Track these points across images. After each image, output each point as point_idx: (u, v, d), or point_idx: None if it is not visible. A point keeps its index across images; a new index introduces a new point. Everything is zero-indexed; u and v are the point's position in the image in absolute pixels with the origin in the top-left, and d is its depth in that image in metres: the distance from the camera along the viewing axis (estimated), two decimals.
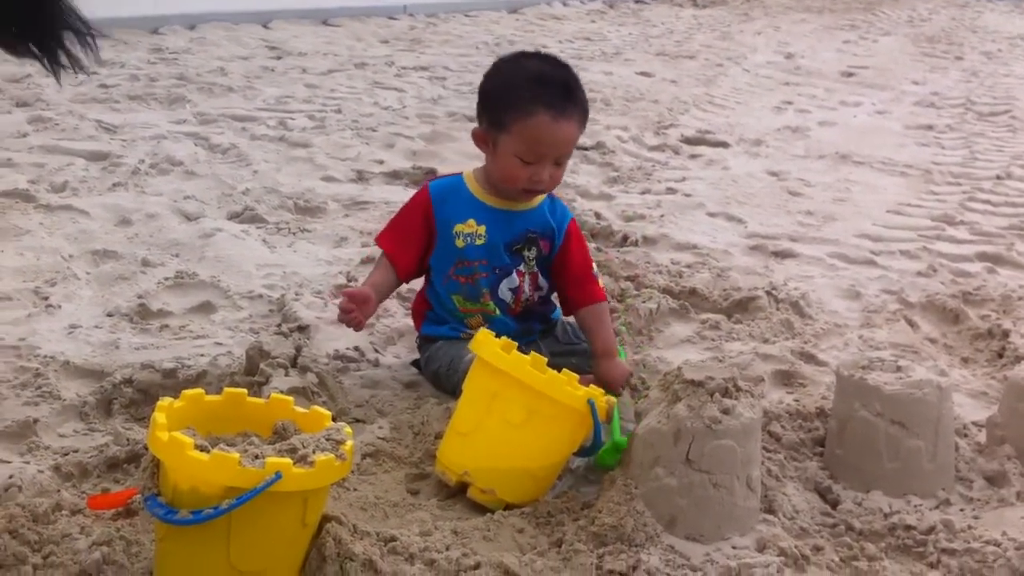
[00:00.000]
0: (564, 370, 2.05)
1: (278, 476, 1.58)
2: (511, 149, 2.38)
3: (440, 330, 2.51)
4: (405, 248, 2.48)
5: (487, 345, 2.06)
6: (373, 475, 2.12)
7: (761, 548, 1.91)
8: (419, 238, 2.47)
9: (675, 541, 1.90)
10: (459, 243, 2.45)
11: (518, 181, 2.41)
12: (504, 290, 2.50)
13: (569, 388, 2.01)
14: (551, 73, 2.42)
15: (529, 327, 2.54)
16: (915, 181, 4.66)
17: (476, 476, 2.02)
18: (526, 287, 2.51)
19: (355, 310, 2.37)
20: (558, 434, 2.04)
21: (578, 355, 2.50)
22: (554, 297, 2.61)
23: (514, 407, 2.00)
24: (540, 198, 2.50)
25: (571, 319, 2.61)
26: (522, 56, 2.53)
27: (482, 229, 2.45)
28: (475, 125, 2.49)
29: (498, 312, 2.49)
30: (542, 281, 2.54)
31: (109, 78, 5.50)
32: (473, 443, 2.04)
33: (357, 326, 2.41)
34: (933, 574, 1.90)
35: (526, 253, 2.50)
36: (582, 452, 2.10)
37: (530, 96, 2.35)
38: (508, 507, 2.01)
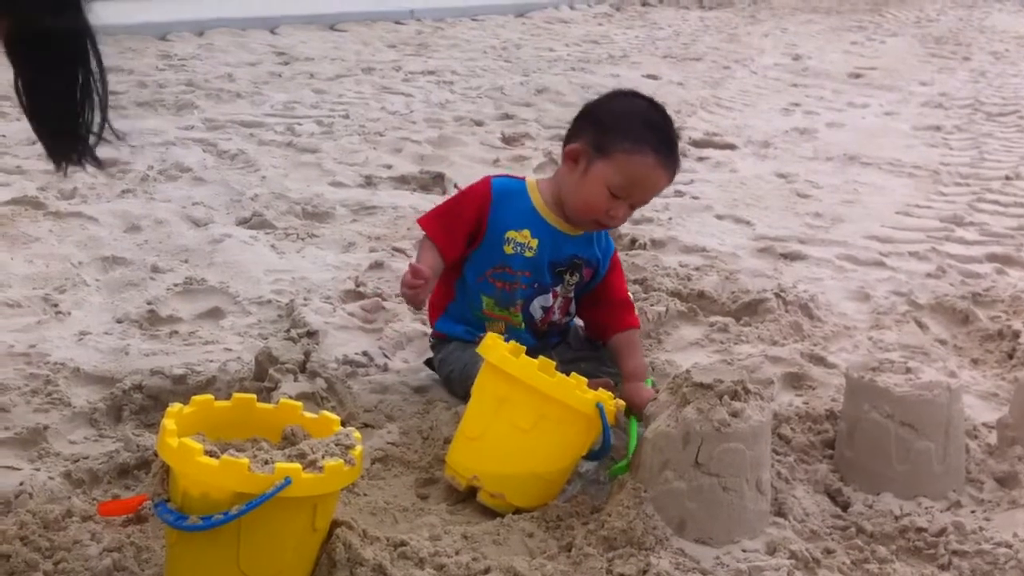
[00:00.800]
0: (573, 373, 2.06)
1: (288, 481, 1.58)
2: (606, 178, 2.34)
3: (455, 329, 2.49)
4: (451, 236, 2.42)
5: (495, 349, 2.06)
6: (383, 480, 2.12)
7: (771, 551, 1.91)
8: (467, 230, 2.43)
9: (685, 544, 1.90)
10: (508, 249, 2.42)
11: (596, 211, 2.38)
12: (536, 307, 2.48)
13: (578, 392, 2.01)
14: (663, 122, 2.41)
15: (546, 343, 2.53)
16: (924, 182, 4.65)
17: (485, 480, 2.02)
18: (556, 309, 2.51)
19: (421, 285, 2.29)
20: (567, 438, 2.04)
21: (588, 361, 2.48)
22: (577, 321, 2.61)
23: (523, 412, 2.00)
24: None
25: (581, 324, 2.62)
26: (638, 96, 2.51)
27: (535, 243, 2.43)
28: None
29: (523, 326, 2.48)
30: (573, 307, 2.54)
31: (117, 85, 5.50)
32: (481, 448, 2.04)
33: (419, 304, 2.37)
34: None
35: (568, 277, 2.49)
36: (591, 456, 2.09)
37: (645, 135, 2.34)
38: (517, 511, 2.01)
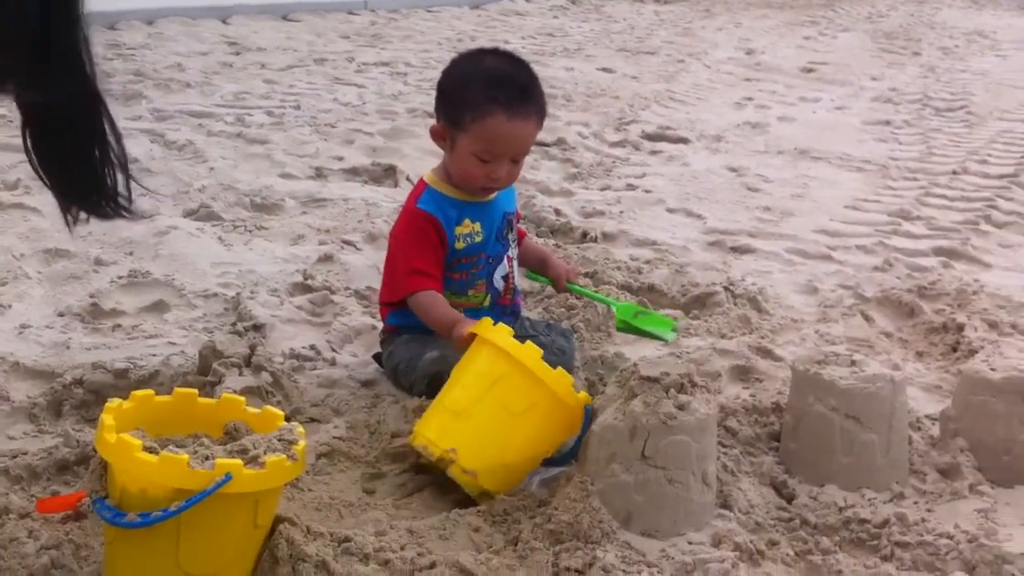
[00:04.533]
0: (559, 368, 2.05)
1: (228, 478, 1.56)
2: (469, 148, 2.37)
3: (409, 319, 2.46)
4: (439, 275, 2.43)
5: (499, 331, 2.07)
6: (328, 475, 2.10)
7: (716, 543, 1.91)
8: (441, 259, 2.44)
9: (631, 537, 1.90)
10: (459, 245, 2.44)
11: (476, 179, 2.41)
12: (497, 279, 2.51)
13: (572, 388, 2.03)
14: (508, 72, 2.41)
15: (508, 321, 2.52)
16: (872, 176, 4.70)
17: (462, 456, 2.00)
18: (514, 271, 2.55)
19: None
20: (550, 431, 2.05)
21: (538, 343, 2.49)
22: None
23: (516, 396, 2.01)
24: None
25: (530, 315, 2.61)
26: (480, 53, 2.52)
27: (478, 226, 2.46)
28: (435, 121, 2.48)
29: (487, 303, 2.50)
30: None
31: None
32: (465, 423, 2.03)
33: None
34: (887, 567, 1.91)
35: (509, 235, 2.54)
36: (554, 460, 2.09)
37: (487, 95, 2.34)
38: (482, 493, 2.00)
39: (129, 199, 1.82)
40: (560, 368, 2.04)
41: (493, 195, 2.49)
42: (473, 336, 2.15)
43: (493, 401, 2.03)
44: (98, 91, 1.70)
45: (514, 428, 2.02)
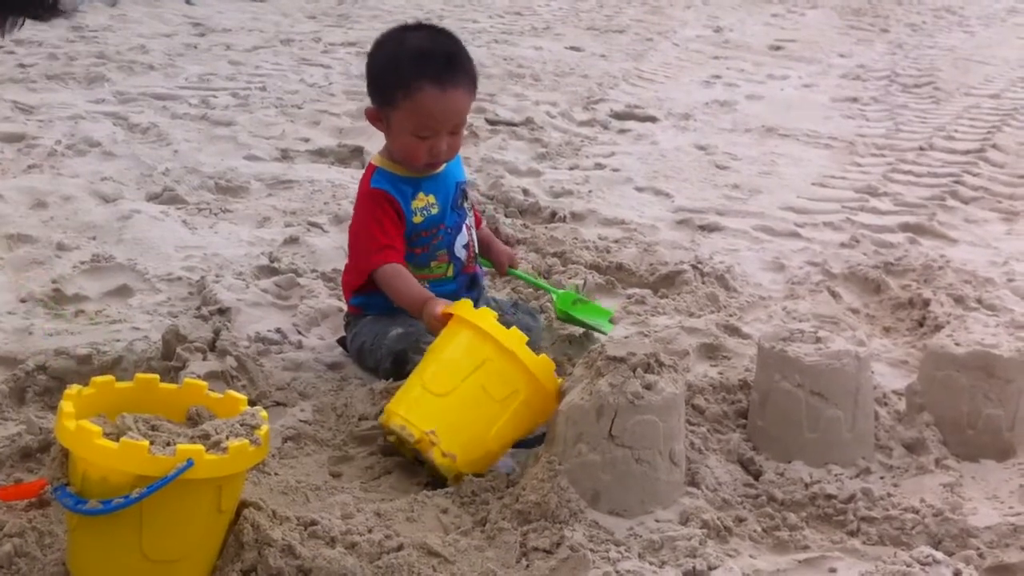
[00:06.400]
0: (543, 355, 2.05)
1: (189, 463, 1.55)
2: (405, 126, 2.37)
3: (374, 299, 2.45)
4: (403, 249, 2.42)
5: (483, 314, 2.06)
6: (294, 459, 2.09)
7: (684, 521, 1.92)
8: (402, 233, 2.43)
9: (599, 516, 1.90)
10: (417, 219, 2.44)
11: (418, 156, 2.40)
12: (459, 248, 2.51)
13: (554, 375, 2.03)
14: (433, 44, 2.41)
15: (469, 295, 2.52)
16: (840, 153, 4.71)
17: (443, 438, 1.99)
18: (474, 239, 2.55)
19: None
20: (527, 417, 2.05)
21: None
22: None
23: (499, 381, 2.00)
24: None
25: (497, 295, 2.61)
26: (404, 30, 2.50)
27: (432, 198, 2.46)
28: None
29: (451, 272, 2.49)
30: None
31: (27, 57, 5.35)
32: (447, 406, 2.02)
33: None
34: (853, 542, 1.92)
35: (464, 204, 2.54)
36: (525, 442, 2.09)
37: (414, 71, 2.34)
38: (457, 476, 2.00)
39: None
40: (544, 355, 2.04)
41: (440, 168, 2.48)
42: (447, 316, 2.14)
43: (475, 385, 2.02)
44: None
45: (495, 413, 2.01)
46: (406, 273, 2.36)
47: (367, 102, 2.49)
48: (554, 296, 2.72)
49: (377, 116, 2.43)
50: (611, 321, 2.74)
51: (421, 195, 2.45)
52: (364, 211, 2.44)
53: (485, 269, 2.69)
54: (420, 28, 2.51)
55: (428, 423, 2.00)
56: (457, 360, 2.06)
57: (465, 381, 2.02)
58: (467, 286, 2.53)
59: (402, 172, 2.45)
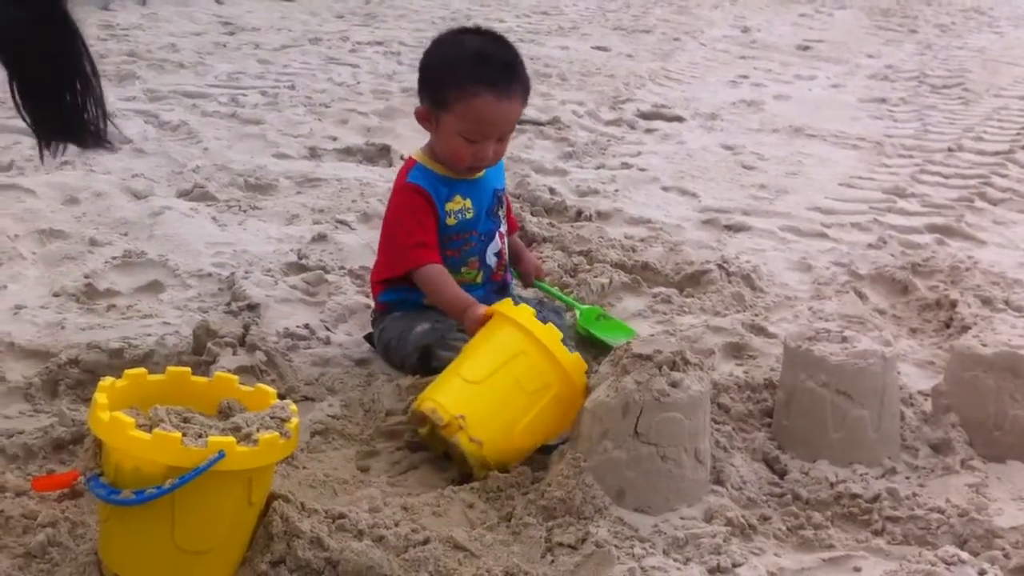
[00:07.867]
0: (576, 353, 2.07)
1: (221, 455, 1.57)
2: (455, 128, 2.37)
3: (401, 296, 2.47)
4: (438, 246, 2.42)
5: (522, 310, 2.08)
6: (323, 453, 2.11)
7: (709, 519, 1.93)
8: (436, 232, 2.44)
9: (624, 513, 1.91)
10: (450, 221, 2.44)
11: (463, 159, 2.41)
12: (490, 255, 2.52)
13: (585, 375, 2.04)
14: (492, 50, 2.41)
15: (497, 297, 2.53)
16: (867, 154, 4.69)
17: (471, 424, 2.01)
18: (506, 248, 2.56)
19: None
20: (557, 413, 2.05)
21: None
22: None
23: (532, 373, 2.02)
24: None
25: (519, 294, 2.64)
26: (462, 32, 2.51)
27: (468, 202, 2.47)
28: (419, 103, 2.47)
29: (480, 279, 2.50)
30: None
31: None
32: (480, 393, 2.04)
33: None
34: (878, 541, 1.92)
35: (499, 212, 2.54)
36: (548, 447, 2.09)
37: (472, 75, 2.34)
38: (482, 466, 2.01)
39: (105, 129, 1.88)
40: (577, 353, 2.06)
41: (481, 173, 2.49)
42: (486, 318, 2.16)
43: (508, 375, 2.04)
44: (74, 24, 1.75)
45: (525, 405, 2.03)
46: (448, 277, 2.38)
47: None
48: (578, 312, 2.70)
49: (426, 116, 2.43)
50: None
51: (457, 197, 2.45)
52: (400, 205, 2.45)
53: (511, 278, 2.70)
54: (479, 32, 2.50)
55: (458, 408, 2.02)
56: (493, 351, 2.09)
57: (499, 371, 2.05)
58: (495, 292, 2.54)
59: (441, 171, 2.45)
